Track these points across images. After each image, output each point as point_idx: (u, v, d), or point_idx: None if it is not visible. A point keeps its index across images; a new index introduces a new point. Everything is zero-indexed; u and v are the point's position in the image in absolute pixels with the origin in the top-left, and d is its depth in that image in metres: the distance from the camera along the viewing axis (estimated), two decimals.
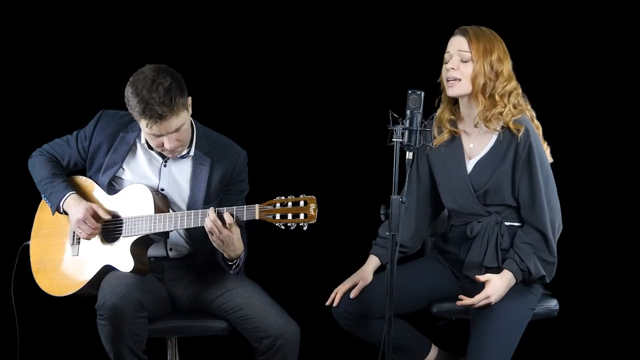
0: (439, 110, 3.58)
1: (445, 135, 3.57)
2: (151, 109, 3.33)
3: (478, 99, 3.45)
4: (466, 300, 3.42)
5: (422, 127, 3.26)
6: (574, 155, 3.69)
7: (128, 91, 3.38)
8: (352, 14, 4.57)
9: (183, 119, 3.41)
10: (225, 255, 3.45)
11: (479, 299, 3.40)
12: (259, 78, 4.59)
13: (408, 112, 3.26)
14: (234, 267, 3.49)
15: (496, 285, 3.41)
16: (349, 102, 4.56)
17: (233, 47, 4.60)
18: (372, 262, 3.62)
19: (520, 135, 3.42)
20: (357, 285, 3.55)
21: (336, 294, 3.57)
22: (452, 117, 3.56)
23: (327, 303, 3.58)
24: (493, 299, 3.40)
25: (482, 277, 3.43)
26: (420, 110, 3.26)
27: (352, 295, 3.53)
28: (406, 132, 3.25)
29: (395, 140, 3.25)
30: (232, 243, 3.39)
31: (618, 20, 4.49)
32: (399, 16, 4.56)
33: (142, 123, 3.39)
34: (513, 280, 3.44)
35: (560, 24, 4.49)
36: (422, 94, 3.26)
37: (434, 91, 3.46)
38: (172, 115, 3.35)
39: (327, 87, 4.58)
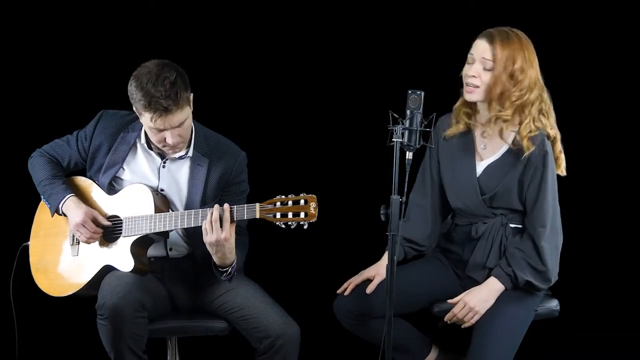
0: (457, 102, 3.57)
1: (461, 126, 3.56)
2: (157, 102, 3.33)
3: (492, 105, 3.43)
4: (449, 314, 3.44)
5: (422, 127, 3.26)
6: (574, 155, 3.68)
7: (132, 85, 3.38)
8: (352, 14, 4.57)
9: (186, 113, 3.41)
10: (213, 258, 3.44)
11: (458, 309, 3.42)
12: (260, 78, 4.59)
13: (408, 112, 3.26)
14: (224, 274, 3.48)
15: (473, 294, 3.42)
16: (349, 102, 4.56)
17: (233, 47, 4.60)
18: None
19: (529, 152, 3.40)
20: (371, 279, 3.55)
21: (349, 284, 3.56)
22: (468, 110, 3.55)
23: (339, 291, 3.58)
24: (478, 307, 3.41)
25: (456, 299, 3.45)
26: (420, 110, 3.26)
27: (368, 290, 3.52)
28: (406, 132, 3.25)
29: (395, 140, 3.25)
30: (223, 249, 3.37)
31: (618, 22, 4.49)
32: (399, 16, 4.55)
33: (146, 116, 3.38)
34: (498, 285, 3.43)
35: (559, 24, 4.48)
36: (422, 94, 3.26)
37: (434, 91, 3.45)
38: (177, 109, 3.36)
39: (327, 87, 4.58)
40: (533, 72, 3.43)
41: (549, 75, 3.53)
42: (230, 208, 3.33)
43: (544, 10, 4.47)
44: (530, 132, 3.42)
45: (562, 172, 3.52)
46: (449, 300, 3.47)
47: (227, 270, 3.45)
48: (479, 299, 3.43)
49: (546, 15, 4.47)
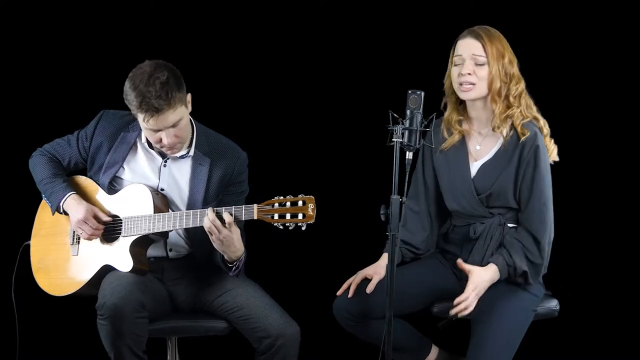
0: (446, 113, 3.57)
1: (456, 137, 3.56)
2: (147, 102, 3.34)
3: (496, 102, 3.44)
4: (458, 307, 3.40)
5: (422, 127, 3.26)
6: (574, 154, 3.69)
7: (126, 86, 3.40)
8: (352, 14, 4.57)
9: (180, 113, 3.41)
10: (225, 256, 3.45)
11: (466, 295, 3.38)
12: (259, 78, 4.60)
13: (408, 112, 3.26)
14: (233, 269, 3.49)
15: (480, 275, 3.40)
16: (349, 102, 4.56)
17: (233, 47, 4.61)
18: (386, 260, 3.60)
19: (525, 138, 3.41)
20: (369, 278, 3.54)
21: (349, 285, 3.55)
22: (460, 117, 3.55)
23: (339, 293, 3.57)
24: (477, 291, 3.39)
25: (465, 266, 3.42)
26: (420, 110, 3.25)
27: (368, 290, 3.51)
28: (406, 132, 3.25)
29: (395, 140, 3.25)
30: (232, 244, 3.39)
31: (617, 21, 4.49)
32: (399, 16, 4.56)
33: (140, 117, 3.40)
34: (497, 275, 3.42)
35: (558, 22, 4.49)
36: (422, 94, 3.25)
37: (434, 91, 3.46)
38: (168, 108, 3.36)
39: (327, 87, 4.58)
40: (516, 65, 3.47)
41: (544, 70, 3.54)
42: (229, 212, 3.33)
43: (542, 10, 4.48)
44: (523, 120, 3.45)
45: (555, 157, 3.52)
46: (460, 263, 3.43)
47: (235, 264, 3.45)
48: (480, 286, 3.41)
49: (543, 15, 4.48)
